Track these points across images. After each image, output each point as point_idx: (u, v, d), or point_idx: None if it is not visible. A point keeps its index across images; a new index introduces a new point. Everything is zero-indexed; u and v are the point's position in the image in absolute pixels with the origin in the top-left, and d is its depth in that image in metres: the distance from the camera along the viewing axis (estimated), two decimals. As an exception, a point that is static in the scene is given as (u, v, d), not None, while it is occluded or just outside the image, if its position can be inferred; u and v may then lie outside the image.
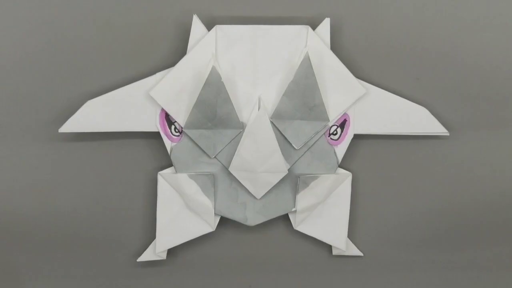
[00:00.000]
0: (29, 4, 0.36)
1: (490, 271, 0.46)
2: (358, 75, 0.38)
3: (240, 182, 0.39)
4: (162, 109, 0.37)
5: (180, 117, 0.37)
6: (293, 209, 0.41)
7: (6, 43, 0.37)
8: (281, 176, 0.38)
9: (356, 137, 0.39)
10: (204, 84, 0.36)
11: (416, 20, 0.38)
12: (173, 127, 0.38)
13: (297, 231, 0.41)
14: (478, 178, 0.42)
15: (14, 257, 0.43)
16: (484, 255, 0.45)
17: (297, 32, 0.36)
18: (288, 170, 0.38)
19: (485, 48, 0.39)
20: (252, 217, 0.40)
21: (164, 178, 0.39)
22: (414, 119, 0.39)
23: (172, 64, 0.36)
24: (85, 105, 0.37)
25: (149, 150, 0.40)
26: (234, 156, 0.37)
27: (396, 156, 0.42)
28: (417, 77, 0.39)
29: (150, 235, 0.42)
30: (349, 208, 0.41)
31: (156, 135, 0.38)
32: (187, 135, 0.38)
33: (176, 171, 0.39)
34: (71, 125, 0.37)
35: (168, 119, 0.38)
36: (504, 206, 0.43)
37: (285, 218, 0.41)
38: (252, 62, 0.37)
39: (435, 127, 0.39)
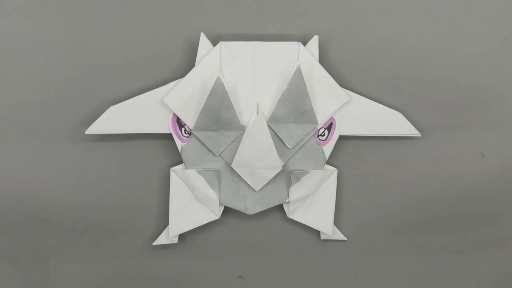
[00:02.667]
0: (62, 24, 0.37)
1: (456, 253, 0.46)
2: (342, 85, 0.39)
3: (241, 177, 0.39)
4: (174, 114, 0.38)
5: (189, 121, 0.38)
6: (287, 200, 0.41)
7: (41, 60, 0.38)
8: (277, 172, 0.39)
9: (341, 138, 0.40)
10: (210, 92, 0.37)
11: (392, 37, 0.39)
12: (183, 129, 0.39)
13: (290, 219, 0.42)
14: (446, 173, 0.43)
15: (46, 242, 0.44)
16: (451, 239, 0.45)
17: (290, 47, 0.38)
18: (283, 166, 0.39)
19: (452, 63, 0.40)
20: (252, 207, 0.41)
21: (176, 173, 0.40)
22: (391, 122, 0.40)
23: (182, 75, 0.38)
24: (107, 110, 0.38)
25: (163, 149, 0.41)
26: (236, 155, 0.38)
27: (375, 154, 0.42)
28: (394, 86, 0.40)
29: (163, 222, 0.43)
30: (335, 199, 0.42)
31: (168, 136, 0.39)
32: (195, 136, 0.39)
33: (186, 168, 0.40)
34: (96, 128, 0.38)
35: (179, 123, 0.39)
36: (467, 198, 0.44)
37: (280, 207, 0.42)
38: (252, 73, 0.38)
39: (408, 129, 0.40)
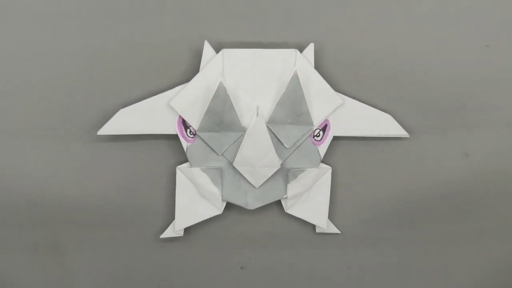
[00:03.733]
0: (78, 34, 0.38)
1: (439, 245, 0.46)
2: (336, 89, 0.39)
3: (242, 175, 0.40)
4: (180, 116, 0.39)
5: (194, 122, 0.38)
6: (285, 196, 0.42)
7: (59, 67, 0.39)
8: (275, 170, 0.39)
9: (335, 138, 0.41)
10: (213, 96, 0.37)
11: (382, 45, 0.39)
12: (188, 130, 0.39)
13: (287, 213, 0.43)
14: (432, 171, 0.43)
15: (62, 235, 0.44)
16: (436, 232, 0.46)
17: (288, 54, 0.38)
18: (281, 165, 0.40)
19: (438, 69, 0.40)
20: (252, 203, 0.41)
21: (182, 171, 0.41)
22: (381, 124, 0.40)
23: (188, 80, 0.38)
24: (118, 112, 0.38)
25: (169, 149, 0.41)
26: (237, 154, 0.39)
27: (367, 153, 0.43)
28: (384, 91, 0.41)
29: (170, 217, 0.43)
30: (329, 195, 0.42)
31: (175, 137, 0.40)
32: (199, 137, 0.39)
33: (191, 166, 0.40)
34: (107, 129, 0.39)
35: (185, 124, 0.39)
36: (451, 194, 0.44)
37: (278, 203, 0.43)
38: (252, 79, 0.38)
39: (397, 130, 0.41)
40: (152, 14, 0.38)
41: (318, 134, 0.40)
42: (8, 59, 0.38)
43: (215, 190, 0.41)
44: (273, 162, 0.39)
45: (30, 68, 0.39)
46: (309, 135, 0.40)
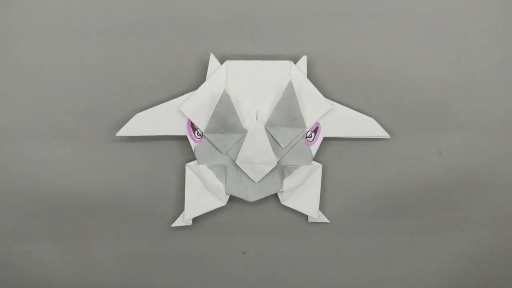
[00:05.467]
0: (99, 49, 0.39)
1: (418, 233, 0.46)
2: (326, 96, 0.40)
3: (243, 171, 0.40)
4: (189, 120, 0.39)
5: (201, 125, 0.39)
6: (281, 190, 0.42)
7: (83, 77, 0.40)
8: (272, 167, 0.40)
9: (325, 139, 0.41)
10: (218, 102, 0.38)
11: (366, 58, 0.40)
12: (196, 132, 0.40)
13: (283, 205, 0.43)
14: (410, 168, 0.44)
15: (85, 224, 0.44)
16: (414, 222, 0.46)
17: (284, 65, 0.38)
18: (277, 162, 0.40)
19: (415, 78, 0.41)
20: (252, 195, 0.41)
21: (190, 168, 0.41)
22: (365, 126, 0.41)
23: (195, 87, 0.39)
24: (134, 116, 0.39)
25: (179, 148, 0.42)
26: (239, 153, 0.39)
27: (353, 152, 0.43)
28: (368, 97, 0.41)
29: (180, 208, 0.44)
30: (320, 189, 0.43)
31: (184, 138, 0.40)
32: (206, 137, 0.39)
33: (198, 163, 0.40)
34: (125, 131, 0.39)
35: (193, 127, 0.40)
36: (428, 188, 0.44)
37: (275, 196, 0.43)
38: (252, 87, 0.39)
39: (380, 132, 0.41)
40: (165, 31, 0.38)
41: (310, 135, 0.40)
42: (40, 71, 0.39)
43: (219, 185, 0.41)
44: (270, 160, 0.39)
45: (59, 78, 0.40)
46: (302, 136, 0.40)
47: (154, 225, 0.45)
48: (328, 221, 0.45)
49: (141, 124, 0.39)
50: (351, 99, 0.41)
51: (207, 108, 0.39)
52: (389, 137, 0.42)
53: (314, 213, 0.43)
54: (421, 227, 0.46)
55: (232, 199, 0.43)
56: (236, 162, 0.40)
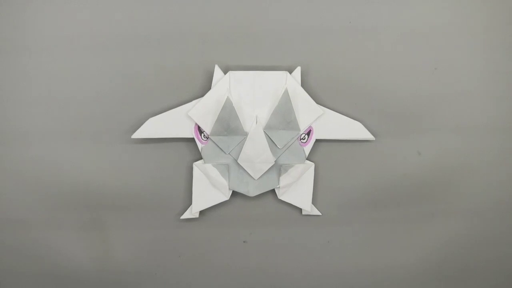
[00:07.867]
0: (115, 59, 0.40)
1: (400, 223, 0.47)
2: (318, 102, 0.41)
3: (244, 169, 0.41)
4: (196, 123, 0.41)
5: (207, 128, 0.40)
6: (278, 186, 0.43)
7: (100, 85, 0.41)
8: (270, 165, 0.41)
9: (317, 140, 0.43)
10: (222, 107, 0.39)
11: (354, 68, 0.41)
12: (202, 134, 0.41)
13: (280, 199, 0.44)
14: (393, 166, 0.45)
15: (103, 215, 0.45)
16: (396, 213, 0.46)
17: (280, 75, 0.40)
18: (274, 161, 0.41)
19: (397, 86, 0.42)
20: (252, 191, 0.42)
21: (197, 166, 0.42)
22: (353, 129, 0.42)
23: (202, 95, 0.40)
24: (147, 121, 0.40)
25: (188, 149, 0.43)
26: (241, 153, 0.40)
27: (342, 152, 0.44)
28: (355, 103, 0.42)
29: (188, 202, 0.45)
30: (312, 185, 0.44)
31: (192, 140, 0.42)
32: (211, 139, 0.41)
33: (204, 162, 0.42)
34: (139, 133, 0.41)
35: (200, 130, 0.41)
36: (408, 184, 0.45)
37: (273, 191, 0.44)
38: (252, 94, 0.40)
39: (366, 135, 0.42)
40: (175, 45, 0.40)
41: (304, 137, 0.42)
42: (64, 80, 0.40)
43: (223, 181, 0.42)
44: (268, 159, 0.40)
45: (83, 88, 0.41)
46: (297, 138, 0.41)
47: (165, 217, 0.46)
48: (320, 214, 0.46)
49: (154, 127, 0.40)
50: (341, 105, 0.42)
51: (212, 113, 0.40)
52: (374, 139, 0.43)
53: (307, 206, 0.45)
54: (402, 218, 0.47)
55: (234, 194, 0.44)
56: (238, 161, 0.41)
